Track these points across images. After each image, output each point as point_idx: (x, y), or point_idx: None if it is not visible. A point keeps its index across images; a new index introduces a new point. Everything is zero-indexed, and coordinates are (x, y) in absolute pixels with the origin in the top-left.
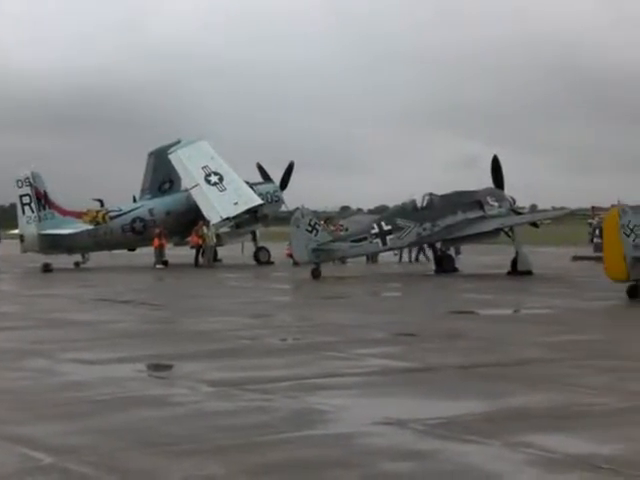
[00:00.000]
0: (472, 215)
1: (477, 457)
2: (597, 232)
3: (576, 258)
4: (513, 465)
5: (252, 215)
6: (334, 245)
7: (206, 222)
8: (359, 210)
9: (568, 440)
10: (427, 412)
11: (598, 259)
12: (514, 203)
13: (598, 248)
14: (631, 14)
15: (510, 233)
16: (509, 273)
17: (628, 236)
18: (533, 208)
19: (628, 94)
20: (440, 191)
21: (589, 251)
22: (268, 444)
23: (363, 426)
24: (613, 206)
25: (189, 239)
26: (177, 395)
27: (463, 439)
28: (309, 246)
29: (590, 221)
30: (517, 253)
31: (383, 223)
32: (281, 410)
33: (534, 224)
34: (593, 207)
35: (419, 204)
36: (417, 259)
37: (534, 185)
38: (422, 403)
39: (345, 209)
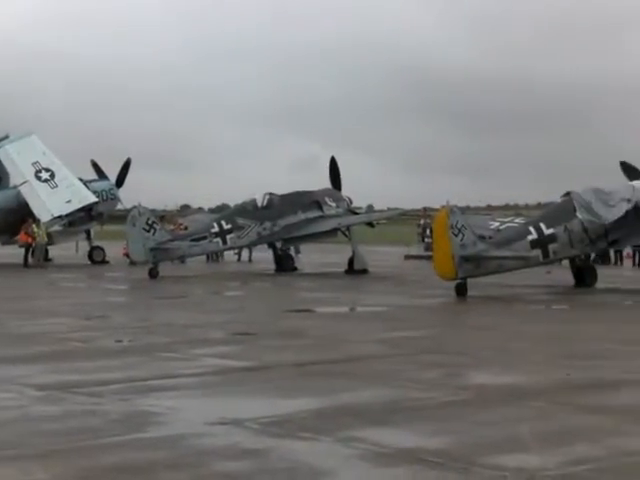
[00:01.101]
0: (311, 215)
1: (309, 454)
2: (428, 232)
3: (408, 257)
4: (344, 460)
5: (86, 213)
6: (173, 244)
7: (36, 220)
8: (200, 209)
9: (398, 434)
10: (262, 411)
11: (429, 258)
12: (351, 203)
13: (429, 247)
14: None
15: (347, 232)
16: (346, 272)
17: (456, 236)
18: (370, 208)
19: (462, 96)
20: (280, 191)
21: (420, 250)
22: (98, 448)
23: (196, 427)
24: (443, 207)
25: (18, 238)
26: (1, 400)
27: (296, 436)
28: (146, 245)
29: (421, 222)
30: (354, 252)
31: (223, 222)
32: (112, 413)
33: (370, 224)
34: (425, 208)
35: (259, 203)
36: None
37: (371, 186)
38: (257, 402)
39: (185, 208)
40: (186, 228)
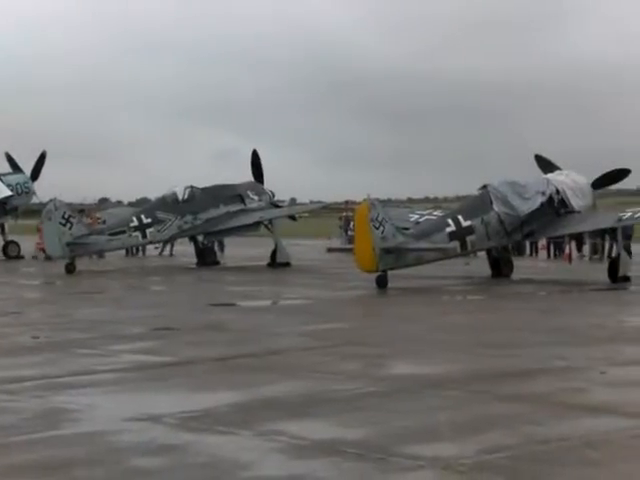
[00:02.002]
0: (233, 208)
1: (228, 448)
2: (351, 225)
3: (330, 250)
4: (263, 454)
5: (0, 207)
6: (90, 239)
7: None
8: (119, 202)
9: (318, 426)
10: (181, 406)
11: (350, 251)
12: (273, 196)
13: (351, 240)
14: (388, 17)
15: (270, 226)
16: (269, 265)
17: (377, 228)
18: (293, 201)
19: (382, 92)
20: (201, 184)
21: (342, 243)
22: (12, 446)
23: (114, 423)
24: (364, 200)
25: None
26: None
27: (215, 431)
28: (63, 240)
29: (343, 215)
30: (276, 245)
31: (143, 216)
32: (27, 411)
33: (292, 217)
34: (347, 201)
35: (180, 197)
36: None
37: (293, 179)
38: (176, 397)
39: (104, 201)
40: (104, 222)
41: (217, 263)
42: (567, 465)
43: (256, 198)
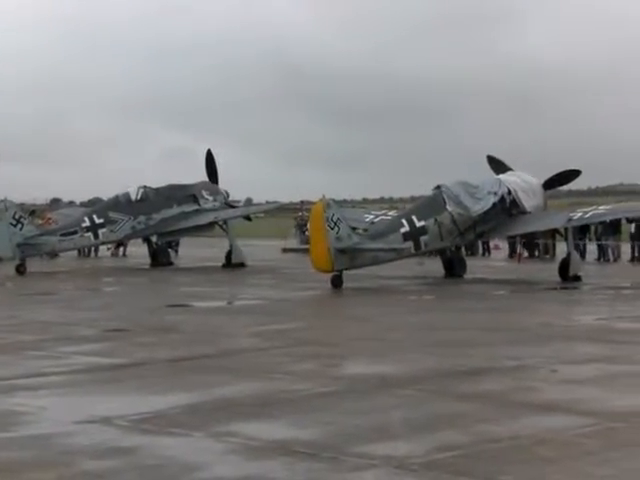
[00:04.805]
0: (187, 208)
1: (180, 449)
2: (308, 225)
3: (286, 250)
4: (215, 455)
5: None
6: (41, 239)
7: None
8: (71, 203)
9: (271, 427)
10: (132, 408)
11: (306, 251)
12: (228, 196)
13: (307, 241)
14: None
15: (224, 226)
16: (223, 266)
17: (332, 229)
18: (248, 201)
19: (340, 92)
20: (154, 184)
21: (298, 244)
22: None
23: (65, 426)
24: (320, 200)
25: None
26: None
27: (167, 433)
28: (13, 240)
29: (300, 214)
30: (231, 246)
31: (95, 216)
32: None
33: (247, 217)
34: (302, 201)
35: (133, 197)
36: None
37: (249, 179)
38: (128, 399)
39: (56, 202)
40: (56, 222)
41: (171, 264)
42: (517, 463)
43: (210, 198)
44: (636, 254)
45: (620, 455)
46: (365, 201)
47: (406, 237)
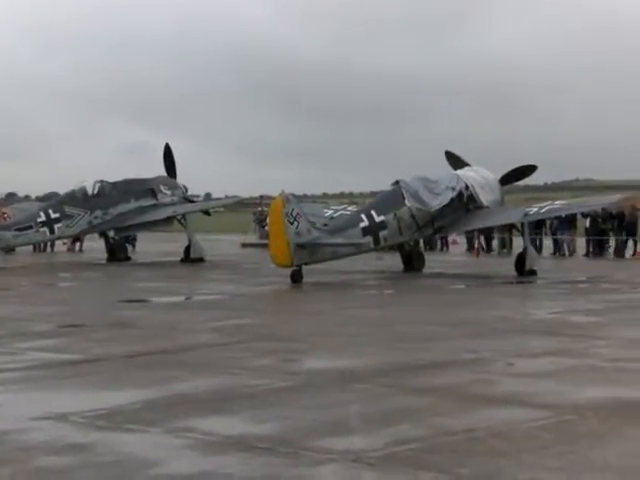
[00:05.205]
0: (145, 203)
1: (137, 445)
2: (268, 220)
3: (245, 245)
4: (172, 451)
5: None
6: None
7: None
8: (26, 197)
9: (228, 422)
10: (89, 404)
11: (265, 246)
12: (187, 191)
13: (267, 235)
14: (303, 12)
15: (183, 221)
16: (182, 261)
17: (292, 224)
18: (208, 196)
19: (301, 87)
20: (112, 178)
21: (257, 238)
22: None
23: (20, 422)
24: (279, 195)
25: None
26: None
27: (124, 429)
28: None
29: (259, 209)
30: (190, 241)
31: (51, 211)
32: None
33: (206, 212)
34: (262, 196)
35: (90, 191)
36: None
37: (208, 173)
38: (84, 395)
39: (11, 196)
40: (11, 217)
41: (128, 259)
42: (473, 456)
43: (169, 193)
44: (591, 249)
45: (573, 448)
46: (325, 196)
47: (365, 232)
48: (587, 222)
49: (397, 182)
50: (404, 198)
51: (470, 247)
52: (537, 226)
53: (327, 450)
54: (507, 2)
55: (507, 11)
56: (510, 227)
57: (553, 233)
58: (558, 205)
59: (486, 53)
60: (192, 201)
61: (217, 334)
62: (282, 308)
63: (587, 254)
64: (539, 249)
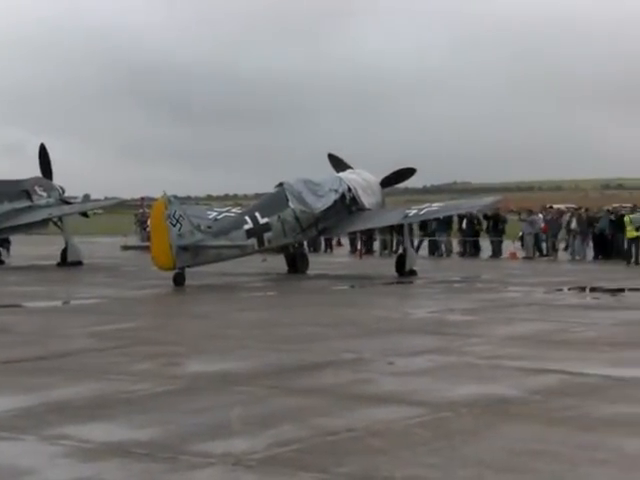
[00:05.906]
0: (19, 205)
1: (10, 453)
2: (150, 222)
3: (126, 248)
4: (48, 459)
5: None
6: None
7: None
8: None
9: (106, 429)
10: None
11: (147, 248)
12: (63, 192)
13: (147, 238)
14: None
15: (59, 223)
16: (59, 264)
17: (174, 226)
18: (86, 198)
19: (183, 89)
20: None
21: (138, 241)
22: None
23: None
24: (161, 197)
25: None
26: None
27: None
28: None
29: (141, 211)
30: (67, 244)
31: None
32: None
33: (84, 214)
34: (142, 197)
35: None
36: None
37: (87, 175)
38: None
39: None
40: None
41: (2, 263)
42: (353, 455)
43: (44, 194)
44: (467, 249)
45: (448, 444)
46: (209, 198)
47: (249, 234)
48: (464, 223)
49: (281, 184)
50: (288, 200)
51: (353, 249)
52: (422, 227)
53: (206, 454)
54: (378, 9)
55: (379, 17)
56: (391, 228)
57: (431, 234)
58: (436, 207)
59: (363, 58)
60: (69, 203)
61: (96, 339)
62: (164, 311)
63: (462, 254)
64: (419, 250)
